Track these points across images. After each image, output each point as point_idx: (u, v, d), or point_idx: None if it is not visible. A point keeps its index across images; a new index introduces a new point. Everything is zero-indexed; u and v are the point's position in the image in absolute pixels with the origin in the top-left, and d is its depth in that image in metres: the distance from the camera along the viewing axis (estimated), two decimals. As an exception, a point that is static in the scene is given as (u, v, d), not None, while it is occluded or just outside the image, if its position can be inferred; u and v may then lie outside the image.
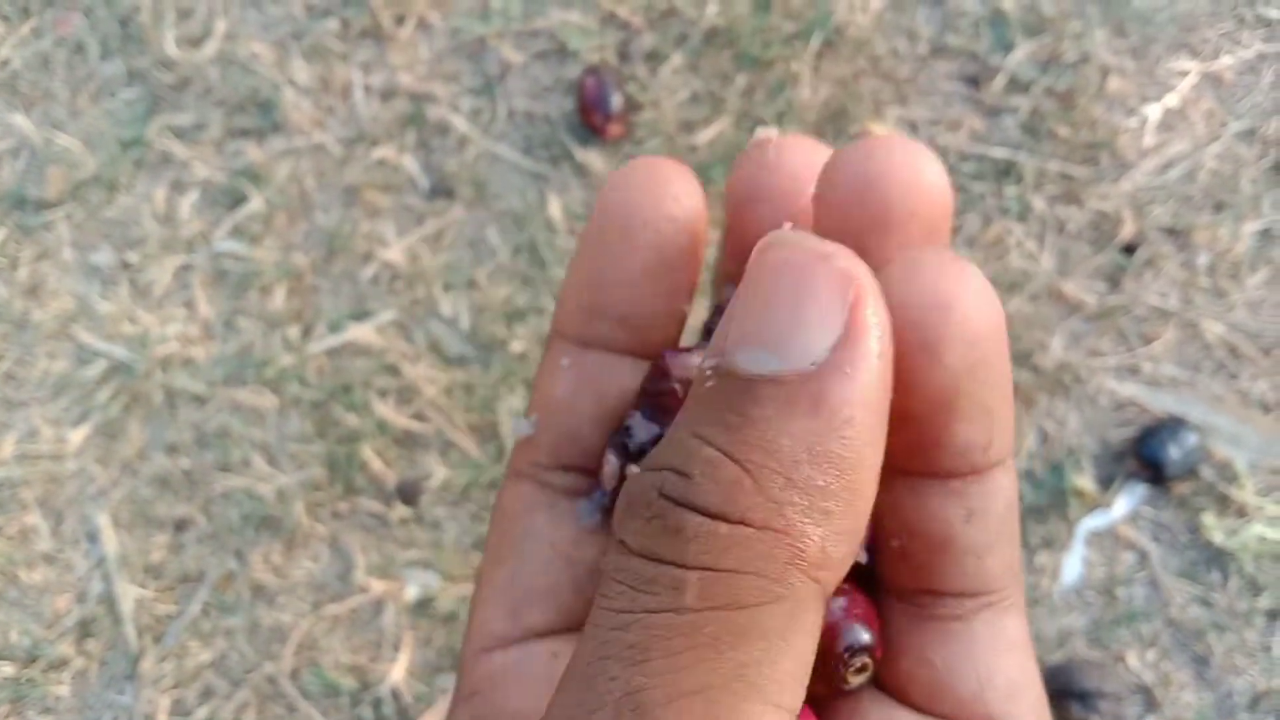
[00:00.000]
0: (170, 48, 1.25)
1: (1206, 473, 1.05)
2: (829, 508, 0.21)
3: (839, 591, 0.28)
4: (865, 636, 0.28)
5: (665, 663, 0.20)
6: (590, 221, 0.30)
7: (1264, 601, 1.02)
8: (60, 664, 1.09)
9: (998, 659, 0.28)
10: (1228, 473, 1.05)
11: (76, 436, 1.15)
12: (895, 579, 0.29)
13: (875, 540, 0.29)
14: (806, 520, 0.21)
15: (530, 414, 0.31)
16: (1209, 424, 1.06)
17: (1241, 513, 1.04)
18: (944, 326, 0.24)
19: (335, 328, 1.15)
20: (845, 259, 0.22)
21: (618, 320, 0.30)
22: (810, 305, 0.22)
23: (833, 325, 0.22)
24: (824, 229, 0.26)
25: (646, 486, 0.22)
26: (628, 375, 0.31)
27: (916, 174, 0.26)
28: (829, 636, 0.27)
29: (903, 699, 0.29)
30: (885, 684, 0.30)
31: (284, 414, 1.13)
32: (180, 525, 1.12)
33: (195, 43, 1.26)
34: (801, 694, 0.22)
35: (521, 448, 0.32)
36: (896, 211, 0.26)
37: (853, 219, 0.26)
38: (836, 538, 0.21)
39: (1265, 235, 1.11)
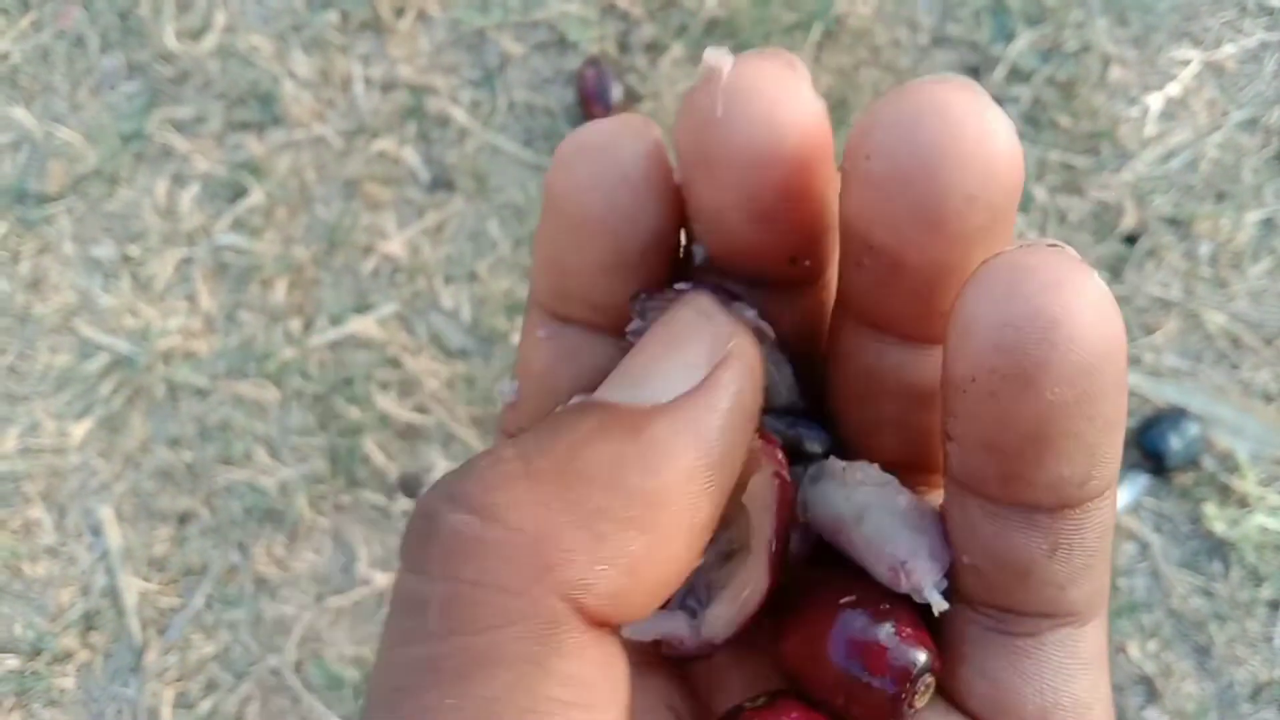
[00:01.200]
0: (170, 40, 1.25)
1: (1208, 463, 1.05)
2: (605, 531, 0.19)
3: (882, 614, 0.26)
4: (921, 657, 0.25)
5: (413, 707, 0.19)
6: (544, 204, 0.27)
7: (1266, 592, 1.02)
8: (65, 657, 1.09)
9: (1067, 682, 0.24)
10: (1229, 463, 1.05)
11: (79, 430, 1.15)
12: (964, 590, 0.25)
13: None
14: (573, 534, 0.19)
15: (514, 379, 0.30)
16: (1211, 414, 1.06)
17: (1243, 503, 1.04)
18: (1047, 352, 0.20)
19: (336, 320, 1.15)
20: (727, 324, 0.23)
21: (587, 305, 0.28)
22: (676, 356, 0.22)
23: (689, 377, 0.21)
24: (853, 217, 0.23)
25: (431, 493, 0.21)
26: (605, 354, 0.28)
27: (980, 143, 0.20)
28: (878, 660, 0.25)
29: (959, 705, 0.26)
30: (941, 686, 0.27)
31: (286, 407, 1.14)
32: (183, 518, 1.12)
33: (195, 35, 1.26)
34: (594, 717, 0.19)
35: (509, 412, 0.30)
36: (952, 200, 0.21)
37: (891, 207, 0.21)
38: (607, 567, 0.19)
39: (1267, 225, 1.11)
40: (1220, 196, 1.12)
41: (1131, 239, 1.11)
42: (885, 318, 0.25)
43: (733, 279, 0.27)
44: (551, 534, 0.19)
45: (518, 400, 0.30)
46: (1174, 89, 1.15)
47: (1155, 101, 1.15)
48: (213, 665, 1.09)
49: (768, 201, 0.24)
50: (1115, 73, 1.16)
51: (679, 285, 0.27)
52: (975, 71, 1.17)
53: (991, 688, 0.25)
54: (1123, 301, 1.09)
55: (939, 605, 0.25)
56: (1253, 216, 1.11)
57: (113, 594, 1.11)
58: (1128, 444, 1.05)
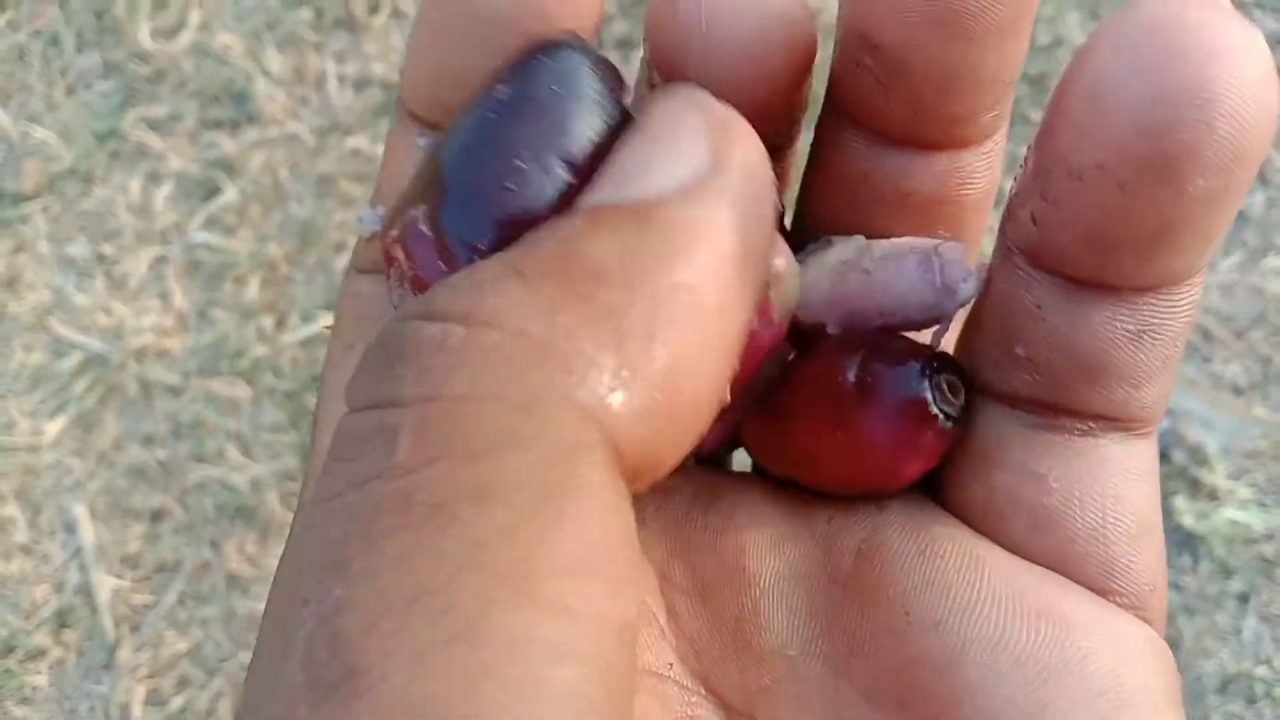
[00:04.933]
0: (145, 39, 1.25)
1: (1178, 456, 1.05)
2: (627, 333, 0.15)
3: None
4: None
5: (369, 562, 0.13)
6: None
7: (1235, 585, 1.02)
8: (38, 654, 1.09)
9: (1130, 488, 0.20)
10: (1199, 456, 1.04)
11: (53, 428, 1.15)
12: (1005, 384, 0.21)
13: (975, 329, 0.22)
14: (591, 335, 0.15)
15: (375, 202, 0.24)
16: (1180, 407, 1.05)
17: (1213, 496, 1.04)
18: (1203, 136, 0.16)
19: (309, 318, 1.15)
20: (720, 106, 0.18)
21: None
22: (671, 145, 0.18)
23: (690, 163, 0.17)
24: (856, 15, 0.21)
25: (395, 317, 0.16)
26: None
27: None
28: (828, 370, 0.21)
29: (981, 526, 0.21)
30: (954, 503, 0.22)
31: (258, 404, 1.14)
32: (156, 516, 1.12)
33: (170, 34, 1.26)
34: (614, 591, 0.14)
35: (368, 246, 0.24)
36: None
37: (901, 2, 0.20)
38: (636, 377, 0.15)
39: (1239, 218, 1.11)
40: (1191, 190, 1.12)
41: (1102, 233, 1.11)
42: (885, 121, 0.22)
43: None
44: (564, 336, 0.15)
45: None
46: (1145, 83, 1.15)
47: (1126, 95, 1.14)
48: (185, 662, 1.09)
49: (757, 94, 0.21)
50: (1087, 67, 1.15)
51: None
52: (947, 66, 1.17)
53: (1038, 492, 0.20)
54: (1093, 295, 1.10)
55: (969, 293, 0.21)
56: (1224, 210, 1.11)
57: (86, 591, 1.11)
58: (1097, 437, 1.05)
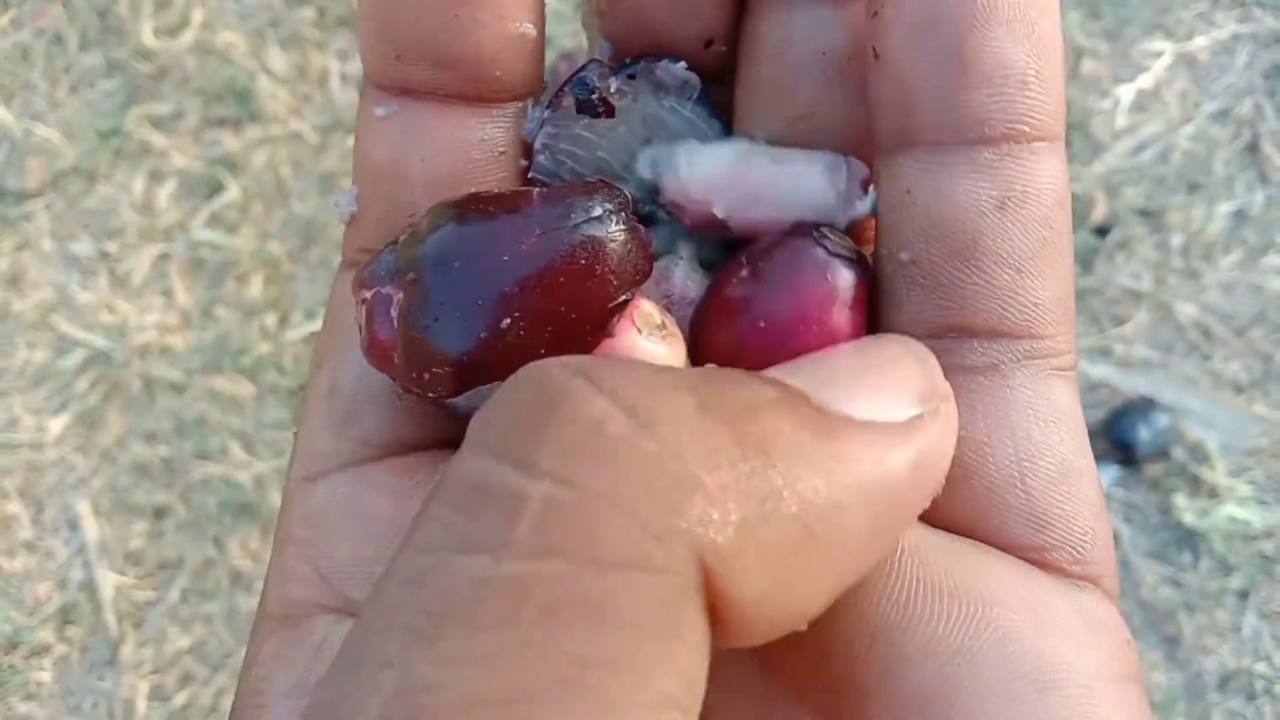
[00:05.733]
0: (148, 38, 1.26)
1: (1178, 454, 1.05)
2: (773, 518, 0.15)
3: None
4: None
5: (464, 648, 0.13)
6: None
7: (1235, 582, 1.02)
8: (42, 650, 1.10)
9: (1045, 430, 0.20)
10: (1199, 453, 1.05)
11: (56, 425, 1.15)
12: (903, 313, 0.21)
13: (876, 260, 0.22)
14: (738, 494, 0.15)
15: (352, 184, 0.25)
16: (1181, 405, 1.06)
17: (1213, 493, 1.04)
18: None
19: (311, 315, 1.16)
20: (943, 381, 0.19)
21: (432, 60, 0.22)
22: (885, 381, 0.18)
23: (892, 410, 0.18)
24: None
25: (548, 365, 0.16)
26: (464, 127, 0.23)
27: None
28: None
29: None
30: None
31: (261, 401, 1.14)
32: (159, 513, 1.13)
33: (173, 32, 1.26)
34: None
35: (350, 231, 0.25)
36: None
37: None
38: (760, 559, 0.15)
39: (1239, 216, 1.11)
40: (1192, 188, 1.12)
41: (1102, 231, 1.11)
42: None
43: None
44: (718, 484, 0.14)
45: (359, 211, 0.24)
46: (1146, 81, 1.15)
47: (1127, 93, 1.15)
48: (188, 658, 1.09)
49: None
50: (1088, 65, 1.16)
51: (592, 60, 0.25)
52: (948, 64, 1.17)
53: None
54: (1093, 293, 1.10)
55: (862, 211, 0.22)
56: (1224, 208, 1.11)
57: (89, 588, 1.11)
58: (1097, 435, 1.06)
